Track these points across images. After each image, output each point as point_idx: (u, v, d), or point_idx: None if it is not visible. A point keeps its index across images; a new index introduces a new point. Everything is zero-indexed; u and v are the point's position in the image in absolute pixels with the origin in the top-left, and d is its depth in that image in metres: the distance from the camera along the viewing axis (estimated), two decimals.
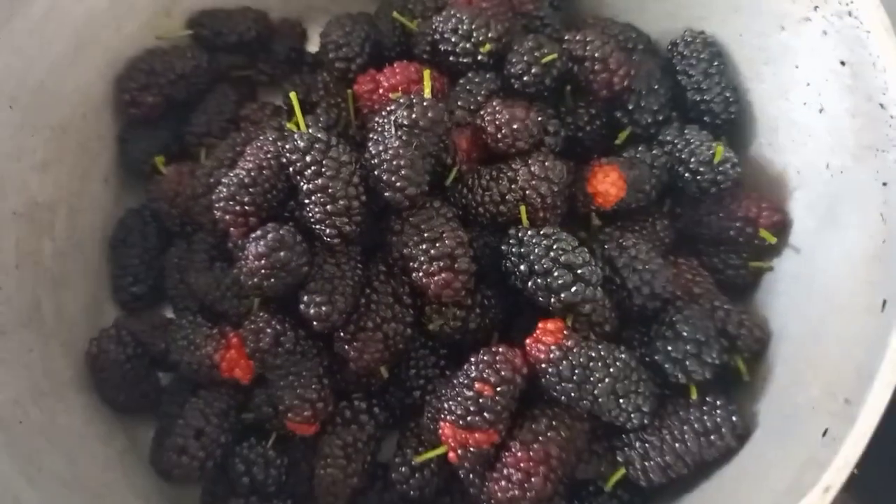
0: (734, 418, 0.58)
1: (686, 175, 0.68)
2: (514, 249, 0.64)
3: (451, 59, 0.71)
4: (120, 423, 0.74)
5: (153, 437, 0.72)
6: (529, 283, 0.62)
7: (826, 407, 0.50)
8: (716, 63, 0.72)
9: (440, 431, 0.61)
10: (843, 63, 0.59)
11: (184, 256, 0.77)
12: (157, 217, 0.80)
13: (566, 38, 0.71)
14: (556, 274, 0.60)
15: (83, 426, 0.69)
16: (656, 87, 0.72)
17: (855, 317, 0.53)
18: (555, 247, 0.61)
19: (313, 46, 0.88)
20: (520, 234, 0.64)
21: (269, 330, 0.65)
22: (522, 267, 0.62)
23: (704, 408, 0.59)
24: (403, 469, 0.66)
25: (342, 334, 0.65)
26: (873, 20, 0.55)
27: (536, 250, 0.62)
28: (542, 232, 0.63)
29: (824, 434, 0.48)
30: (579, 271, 0.60)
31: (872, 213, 0.55)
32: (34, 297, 0.71)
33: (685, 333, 0.61)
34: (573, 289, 0.60)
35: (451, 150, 0.68)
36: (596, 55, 0.69)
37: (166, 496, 0.72)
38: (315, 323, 0.63)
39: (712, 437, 0.58)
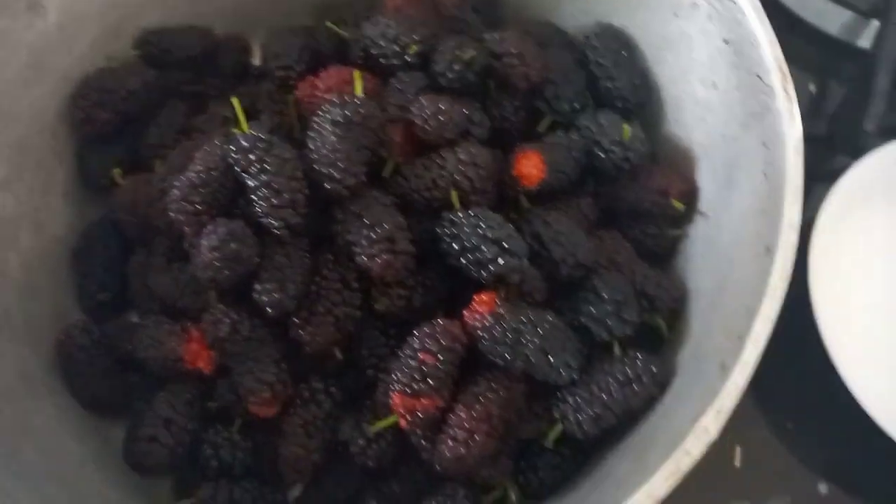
0: (653, 367, 0.64)
1: (601, 154, 0.75)
2: (447, 231, 0.69)
3: (381, 61, 0.77)
4: (92, 423, 0.78)
5: (125, 434, 0.76)
6: (462, 260, 0.68)
7: (724, 345, 0.56)
8: (624, 52, 0.79)
9: (391, 401, 0.66)
10: (726, 42, 0.66)
11: (145, 262, 0.81)
12: (117, 227, 0.84)
13: (486, 37, 0.77)
14: (484, 249, 0.66)
15: (57, 425, 0.73)
16: (572, 77, 0.79)
17: (746, 265, 0.60)
18: (482, 225, 0.67)
19: (257, 60, 0.93)
20: (452, 217, 0.70)
21: (226, 319, 0.69)
22: (455, 245, 0.68)
23: (626, 360, 0.65)
24: (360, 441, 0.71)
25: (296, 320, 0.70)
26: (745, 4, 0.62)
27: (466, 229, 0.67)
28: (470, 212, 0.69)
29: (721, 368, 0.54)
30: (505, 244, 0.66)
31: (758, 173, 0.62)
32: (3, 306, 0.75)
33: (605, 295, 0.67)
34: (500, 261, 0.66)
35: (387, 144, 0.73)
36: (513, 51, 0.75)
37: (140, 489, 0.76)
38: (269, 309, 0.68)
39: (635, 387, 0.64)
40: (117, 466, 0.75)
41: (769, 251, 0.55)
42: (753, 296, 0.55)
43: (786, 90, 0.59)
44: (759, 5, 0.61)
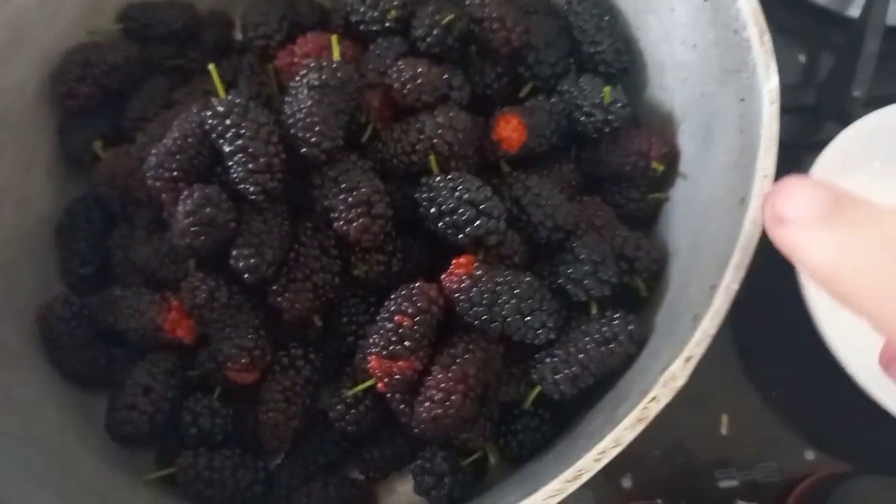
0: (630, 326, 0.63)
1: (581, 118, 0.74)
2: (425, 195, 0.69)
3: (361, 27, 0.77)
4: (74, 395, 0.78)
5: (107, 405, 0.76)
6: (440, 224, 0.68)
7: (697, 298, 0.56)
8: (607, 17, 0.78)
9: (368, 365, 0.66)
10: (705, 0, 0.66)
11: (126, 235, 0.81)
12: (100, 202, 0.84)
13: (466, 2, 0.77)
14: (461, 211, 0.66)
15: (38, 397, 0.73)
16: (554, 42, 0.78)
17: (721, 220, 0.59)
18: (459, 188, 0.67)
19: (240, 34, 0.93)
20: (430, 182, 0.69)
21: (203, 286, 0.69)
22: (433, 210, 0.68)
23: (603, 320, 0.65)
24: (339, 407, 0.70)
25: (274, 287, 0.70)
26: None
27: (444, 193, 0.67)
28: (448, 177, 0.68)
29: (693, 319, 0.54)
30: (482, 206, 0.66)
31: (733, 128, 0.61)
32: None
33: (583, 256, 0.67)
34: (477, 223, 0.65)
35: (365, 109, 0.73)
36: (493, 15, 0.75)
37: (122, 458, 0.76)
38: (245, 275, 0.67)
39: (612, 346, 0.63)
40: (99, 437, 0.75)
41: (742, 201, 0.55)
42: (727, 247, 0.54)
43: (762, 42, 0.58)
44: None
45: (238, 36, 0.94)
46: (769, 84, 0.57)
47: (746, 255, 0.52)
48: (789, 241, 0.42)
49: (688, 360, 0.50)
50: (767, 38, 0.59)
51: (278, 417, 0.71)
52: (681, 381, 0.50)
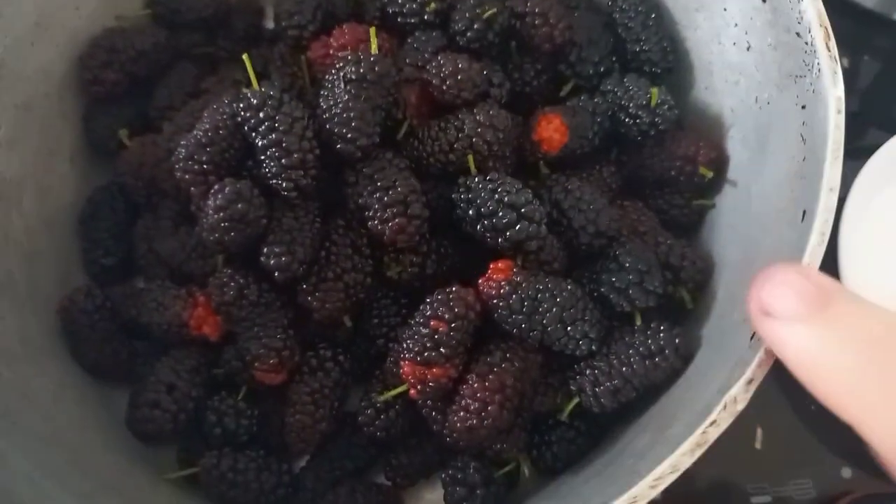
0: (677, 340, 0.61)
1: (626, 120, 0.71)
2: (462, 196, 0.67)
3: (399, 20, 0.74)
4: (95, 388, 0.76)
5: (128, 401, 0.74)
6: (478, 227, 0.65)
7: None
8: (653, 15, 0.75)
9: (401, 370, 0.64)
10: (763, 0, 0.62)
11: (151, 227, 0.79)
12: (124, 191, 0.82)
13: None
14: (500, 214, 0.63)
15: (58, 389, 0.71)
16: (597, 40, 0.75)
17: (781, 232, 0.56)
18: (499, 190, 0.64)
19: (271, 23, 0.91)
20: (468, 182, 0.67)
21: (232, 283, 0.67)
22: (471, 212, 0.65)
23: (649, 332, 0.62)
24: (369, 411, 0.68)
25: (304, 287, 0.68)
26: None
27: (483, 194, 0.65)
28: (487, 178, 0.66)
29: (752, 338, 0.51)
30: (523, 210, 0.63)
31: (794, 136, 0.58)
32: (6, 268, 0.73)
33: (628, 264, 0.64)
34: (517, 227, 0.63)
35: (402, 105, 0.70)
36: (536, 10, 0.72)
37: (143, 455, 0.74)
38: (276, 273, 0.65)
39: (657, 359, 0.61)
40: (120, 432, 0.73)
41: (807, 215, 0.52)
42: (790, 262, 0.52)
43: (828, 47, 0.55)
44: None
45: (269, 24, 0.92)
46: (835, 91, 0.54)
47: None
48: (772, 335, 0.42)
49: (749, 382, 0.47)
50: (833, 42, 0.56)
51: (305, 420, 0.69)
52: (741, 405, 0.47)
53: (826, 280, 0.40)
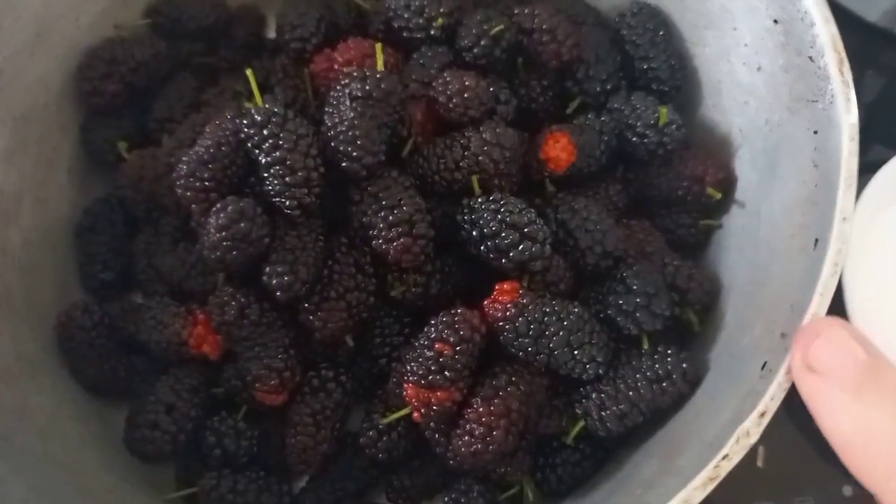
0: (685, 365, 0.60)
1: (633, 139, 0.71)
2: (466, 217, 0.66)
3: (404, 34, 0.73)
4: (92, 405, 0.75)
5: (126, 418, 0.73)
6: (482, 247, 0.64)
7: (766, 344, 0.53)
8: (661, 32, 0.74)
9: (404, 392, 0.63)
10: (775, 21, 0.62)
11: (150, 241, 0.78)
12: (123, 204, 0.80)
13: (515, 11, 0.73)
14: (503, 235, 0.62)
15: (55, 407, 0.70)
16: (604, 57, 0.74)
17: (791, 259, 0.56)
18: (502, 210, 0.63)
19: (271, 33, 0.89)
20: (471, 203, 0.66)
21: (233, 303, 0.66)
22: (474, 232, 0.65)
23: (656, 356, 0.61)
24: (371, 433, 0.67)
25: (306, 305, 0.67)
26: None
27: (486, 215, 0.64)
28: (491, 198, 0.65)
29: (763, 367, 0.50)
30: (526, 230, 0.62)
31: (805, 161, 0.57)
32: (4, 284, 0.72)
33: (635, 287, 0.63)
34: (520, 247, 0.62)
35: (407, 122, 0.69)
36: (544, 27, 0.71)
37: (141, 475, 0.73)
38: (278, 293, 0.64)
39: (665, 384, 0.60)
40: (118, 450, 0.72)
41: (819, 244, 0.51)
42: (800, 290, 0.51)
43: (842, 72, 0.54)
44: None
45: (270, 34, 0.90)
46: (849, 118, 0.53)
47: (824, 303, 0.49)
48: (814, 394, 0.41)
49: (762, 415, 0.47)
50: (847, 67, 0.55)
51: (307, 441, 0.68)
52: (754, 438, 0.46)
53: (874, 347, 0.39)
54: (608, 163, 0.73)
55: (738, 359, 0.57)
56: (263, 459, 0.71)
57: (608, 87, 0.74)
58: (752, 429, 0.46)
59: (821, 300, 0.48)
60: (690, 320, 0.66)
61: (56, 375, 0.73)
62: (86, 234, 0.80)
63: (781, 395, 0.47)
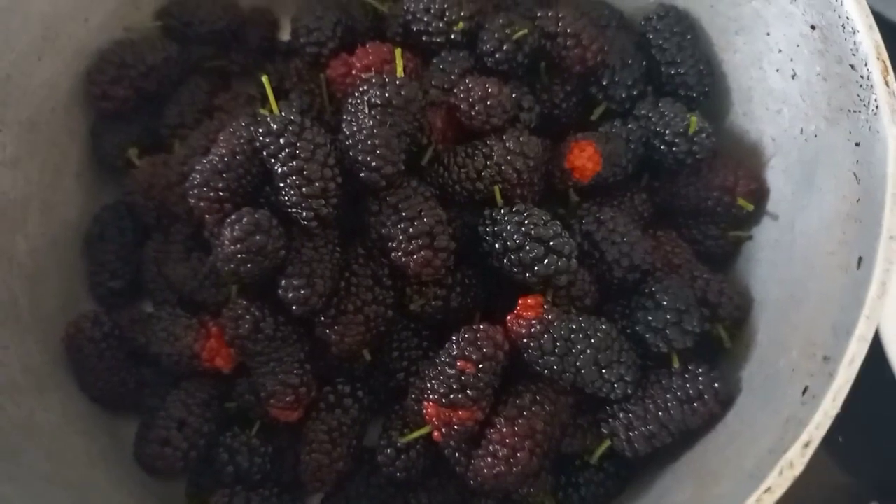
0: (717, 384, 0.58)
1: (662, 147, 0.68)
2: (488, 229, 0.64)
3: (424, 38, 0.71)
4: (101, 419, 0.73)
5: (136, 432, 0.71)
6: (505, 261, 0.62)
7: (805, 366, 0.50)
8: (689, 36, 0.72)
9: (424, 411, 0.61)
10: (813, 27, 0.59)
11: (161, 249, 0.76)
12: (133, 211, 0.78)
13: (538, 15, 0.71)
14: (528, 248, 0.60)
15: (63, 422, 0.68)
16: (630, 62, 0.72)
17: (831, 277, 0.53)
18: (526, 222, 0.61)
19: (285, 35, 0.87)
20: (493, 214, 0.64)
21: (247, 316, 0.64)
22: (497, 245, 0.62)
23: (687, 375, 0.59)
24: (389, 451, 0.65)
25: (323, 318, 0.65)
26: None
27: (509, 227, 0.62)
28: (514, 209, 0.63)
29: (804, 392, 0.48)
30: (551, 243, 0.60)
31: (846, 174, 0.55)
32: (10, 293, 0.70)
33: (665, 303, 0.61)
34: (546, 261, 0.60)
35: (427, 129, 0.67)
36: (568, 31, 0.69)
37: (151, 491, 0.71)
38: (294, 307, 0.62)
39: (695, 405, 0.58)
40: (127, 464, 0.70)
41: (863, 263, 0.49)
42: (843, 311, 0.49)
43: (887, 82, 0.52)
44: None
45: (284, 36, 0.88)
46: (895, 129, 0.51)
47: (871, 327, 0.46)
48: None
49: (806, 445, 0.44)
50: (892, 77, 0.52)
51: (322, 459, 0.65)
52: (798, 470, 0.44)
53: None
54: (634, 171, 0.70)
55: (774, 381, 0.54)
56: (277, 476, 0.69)
57: (634, 92, 0.72)
58: (795, 460, 0.44)
59: (868, 323, 0.46)
60: (721, 336, 0.63)
61: (63, 389, 0.71)
62: (95, 241, 0.78)
63: (827, 424, 0.45)
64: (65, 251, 0.78)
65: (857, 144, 0.54)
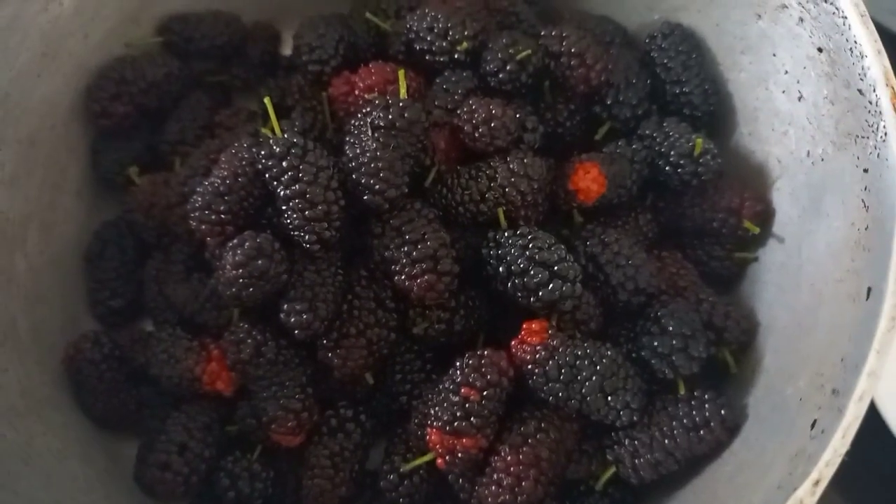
0: (723, 412, 0.57)
1: (667, 168, 0.68)
2: (492, 252, 0.63)
3: (427, 58, 0.70)
4: (100, 441, 0.72)
5: (136, 454, 0.71)
6: (509, 285, 0.61)
7: (814, 398, 0.50)
8: (694, 55, 0.71)
9: (427, 438, 0.60)
10: (820, 50, 0.59)
11: (161, 268, 0.75)
12: (133, 229, 0.78)
13: (542, 33, 0.70)
14: (532, 273, 0.59)
15: (62, 447, 0.67)
16: (634, 80, 0.71)
17: (840, 306, 0.53)
18: (530, 246, 0.61)
19: (287, 49, 0.87)
20: (497, 237, 0.63)
21: (249, 340, 0.63)
22: (501, 269, 0.62)
23: (693, 402, 0.59)
24: (392, 477, 0.64)
25: (325, 342, 0.64)
26: (848, 6, 0.54)
27: (513, 251, 0.61)
28: (518, 232, 0.62)
29: (813, 426, 0.47)
30: (556, 268, 0.59)
31: (854, 201, 0.54)
32: (9, 315, 0.69)
33: (671, 328, 0.60)
34: (550, 286, 0.59)
35: (430, 150, 0.66)
36: (572, 50, 0.68)
37: None
38: (296, 331, 0.61)
39: (702, 432, 0.57)
40: (126, 489, 0.69)
41: (872, 293, 0.48)
42: (852, 343, 0.48)
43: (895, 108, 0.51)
44: (865, 10, 0.54)
45: (284, 51, 0.88)
46: None
47: (882, 361, 0.45)
48: None
49: (816, 483, 0.44)
50: None
51: (324, 484, 0.65)
52: None
53: None
54: (639, 192, 0.70)
55: (781, 410, 0.54)
56: (278, 501, 0.68)
57: (639, 112, 0.71)
58: (806, 499, 0.43)
59: (878, 358, 0.45)
60: (727, 361, 0.63)
61: (62, 412, 0.70)
62: (95, 259, 0.78)
63: (837, 462, 0.44)
64: (64, 270, 0.77)
65: (865, 171, 0.54)
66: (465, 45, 0.68)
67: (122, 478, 0.70)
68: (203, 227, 0.62)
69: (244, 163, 0.63)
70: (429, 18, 0.68)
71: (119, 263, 0.77)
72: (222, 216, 0.62)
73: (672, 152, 0.67)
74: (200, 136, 0.79)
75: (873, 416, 0.69)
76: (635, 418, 0.59)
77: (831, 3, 0.56)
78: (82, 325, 0.77)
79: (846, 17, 0.55)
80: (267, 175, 0.61)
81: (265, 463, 0.67)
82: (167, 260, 0.75)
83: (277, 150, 0.60)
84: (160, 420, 0.69)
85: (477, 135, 0.65)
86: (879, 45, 0.53)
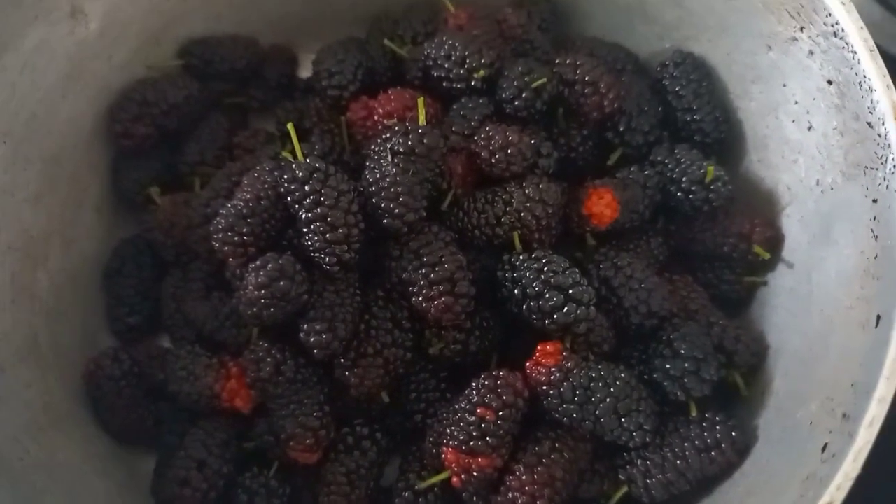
0: (734, 433, 0.59)
1: (678, 194, 0.69)
2: (507, 275, 0.64)
3: (444, 84, 0.72)
4: (119, 456, 0.73)
5: (154, 469, 0.72)
6: (524, 308, 0.63)
7: (824, 422, 0.51)
8: (705, 83, 0.73)
9: (443, 457, 0.61)
10: (830, 82, 0.60)
11: (180, 286, 0.77)
12: (152, 247, 0.79)
13: (556, 61, 0.72)
14: (547, 296, 0.61)
15: (82, 461, 0.69)
16: (647, 108, 0.73)
17: (850, 332, 0.54)
18: (545, 269, 0.62)
19: (304, 72, 0.89)
20: (512, 260, 0.65)
21: (269, 359, 0.65)
22: (516, 291, 0.63)
23: (704, 424, 0.60)
24: (407, 494, 0.66)
25: (342, 361, 0.65)
26: (858, 41, 0.56)
27: (528, 274, 0.62)
28: (533, 255, 0.64)
29: (824, 450, 0.49)
30: (570, 292, 0.61)
31: (863, 230, 0.56)
32: (31, 331, 0.70)
33: (683, 351, 0.62)
34: (565, 309, 0.60)
35: (447, 174, 0.68)
36: (586, 78, 0.70)
37: None
38: (316, 351, 0.63)
39: (713, 453, 0.59)
40: (144, 503, 0.70)
41: (882, 321, 0.50)
42: (863, 370, 0.50)
43: None
44: (874, 46, 0.55)
45: (301, 73, 0.89)
46: None
47: (891, 388, 0.47)
48: None
49: None
50: None
51: (340, 501, 0.66)
52: None
53: None
54: (651, 216, 0.71)
55: (792, 433, 0.55)
56: None
57: (651, 138, 0.73)
58: None
59: (888, 384, 0.47)
60: (737, 383, 0.64)
61: (82, 427, 0.72)
62: (114, 276, 0.79)
63: (848, 486, 0.45)
64: (84, 286, 0.79)
65: (874, 201, 0.55)
66: (482, 72, 0.69)
67: (139, 492, 0.71)
68: (226, 247, 0.64)
69: (266, 186, 0.64)
70: (446, 46, 0.70)
71: (137, 280, 0.79)
72: (245, 238, 0.64)
73: (684, 178, 0.68)
74: (219, 156, 0.80)
75: None
76: (648, 439, 0.60)
77: (841, 38, 0.57)
78: (100, 341, 0.78)
79: (856, 52, 0.56)
80: (289, 198, 0.63)
81: (282, 479, 0.69)
82: (185, 278, 0.76)
83: (300, 174, 0.62)
84: (178, 436, 0.70)
85: (494, 160, 0.66)
86: (888, 80, 0.55)
